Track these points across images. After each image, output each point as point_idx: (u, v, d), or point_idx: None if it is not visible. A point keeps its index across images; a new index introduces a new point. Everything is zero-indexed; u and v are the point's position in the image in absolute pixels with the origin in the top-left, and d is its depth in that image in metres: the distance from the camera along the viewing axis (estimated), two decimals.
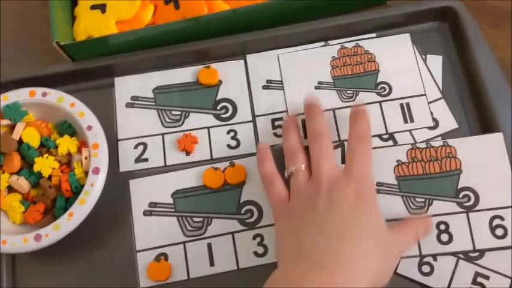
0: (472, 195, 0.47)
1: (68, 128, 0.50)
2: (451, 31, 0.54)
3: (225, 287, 0.48)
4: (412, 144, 0.49)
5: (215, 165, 0.51)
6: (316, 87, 0.53)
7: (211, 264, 0.48)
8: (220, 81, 0.54)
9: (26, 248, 0.45)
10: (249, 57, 0.55)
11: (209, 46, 0.54)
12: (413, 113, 0.51)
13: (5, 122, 0.50)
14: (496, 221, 0.46)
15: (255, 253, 0.48)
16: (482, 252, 0.46)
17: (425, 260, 0.46)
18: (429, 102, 0.51)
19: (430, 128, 0.51)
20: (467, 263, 0.46)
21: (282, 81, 0.53)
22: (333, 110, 0.52)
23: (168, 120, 0.53)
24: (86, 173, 0.48)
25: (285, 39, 0.54)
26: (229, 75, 0.55)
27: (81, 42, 0.52)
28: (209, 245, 0.49)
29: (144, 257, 0.49)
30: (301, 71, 0.54)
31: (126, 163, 0.52)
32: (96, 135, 0.48)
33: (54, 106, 0.50)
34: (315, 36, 0.54)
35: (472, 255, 0.46)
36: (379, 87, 0.52)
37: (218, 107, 0.54)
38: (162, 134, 0.53)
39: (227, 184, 0.51)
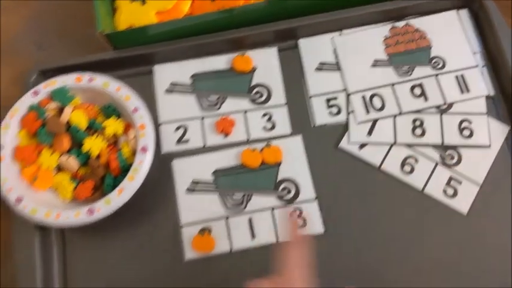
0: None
1: (113, 111, 0.53)
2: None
3: (266, 257, 0.50)
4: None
5: (252, 146, 0.54)
6: (372, 65, 0.56)
7: (253, 237, 0.51)
8: (254, 68, 0.57)
9: (79, 222, 0.48)
10: (301, 41, 0.58)
11: (243, 35, 0.57)
12: (468, 83, 0.55)
13: (54, 105, 0.52)
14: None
15: None
16: (457, 152, 0.52)
17: (408, 161, 0.52)
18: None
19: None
20: (444, 168, 0.51)
21: (337, 62, 0.56)
22: (392, 85, 0.55)
23: (206, 104, 0.56)
24: (133, 153, 0.51)
25: (335, 24, 0.58)
26: (262, 62, 0.58)
27: (123, 32, 0.55)
28: (250, 220, 0.52)
29: (189, 231, 0.51)
30: (356, 51, 0.57)
31: (168, 145, 0.55)
32: (142, 116, 0.51)
33: (100, 91, 0.52)
34: (362, 20, 0.58)
35: (448, 162, 0.52)
36: (433, 62, 0.56)
37: (253, 92, 0.57)
38: (201, 118, 0.56)
39: (264, 163, 0.53)
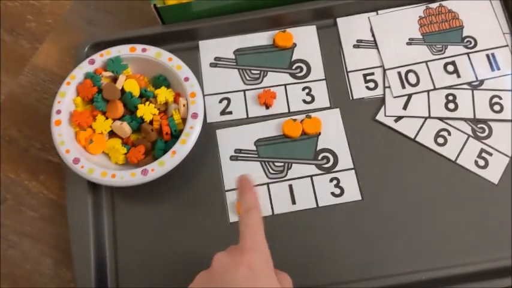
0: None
1: (163, 80, 0.56)
2: None
3: (306, 222, 0.53)
4: None
5: (293, 117, 0.57)
6: (407, 44, 0.59)
7: (293, 202, 0.54)
8: (295, 44, 0.60)
9: (133, 181, 0.51)
10: (339, 20, 0.61)
11: (284, 12, 0.60)
12: (499, 61, 0.58)
13: (108, 73, 0.56)
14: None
15: (332, 193, 0.54)
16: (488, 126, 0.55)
17: (441, 133, 0.55)
18: None
19: None
20: (476, 141, 0.54)
21: (374, 40, 0.60)
22: (426, 62, 0.58)
23: (248, 78, 0.59)
24: (183, 120, 0.54)
25: (371, 4, 0.61)
26: (302, 38, 0.61)
27: (172, 6, 0.58)
28: (290, 186, 0.55)
29: (232, 195, 0.54)
30: (392, 30, 0.60)
31: (213, 115, 0.58)
32: (193, 85, 0.54)
33: (152, 60, 0.56)
34: (397, 1, 0.61)
35: (479, 135, 0.55)
36: (465, 41, 0.59)
37: (293, 67, 0.60)
38: (244, 90, 0.59)
39: (305, 134, 0.56)
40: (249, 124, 0.57)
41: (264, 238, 0.40)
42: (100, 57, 0.55)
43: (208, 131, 0.57)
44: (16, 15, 0.66)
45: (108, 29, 0.64)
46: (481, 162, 0.54)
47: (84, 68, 0.55)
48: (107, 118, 0.55)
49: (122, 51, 0.56)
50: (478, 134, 0.55)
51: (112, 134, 0.55)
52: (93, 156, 0.54)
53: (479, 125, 0.55)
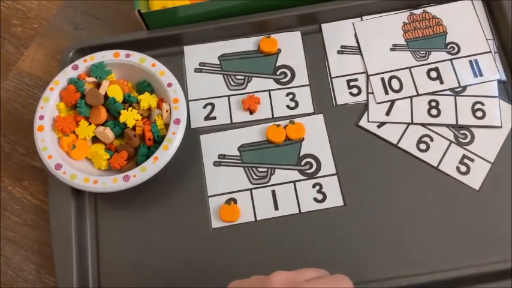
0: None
1: (147, 86, 0.56)
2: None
3: (289, 228, 0.53)
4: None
5: (277, 123, 0.57)
6: (391, 49, 0.60)
7: (276, 208, 0.54)
8: (279, 50, 0.61)
9: (116, 187, 0.51)
10: (324, 25, 0.61)
11: (269, 18, 0.61)
12: (482, 67, 0.58)
13: (91, 79, 0.56)
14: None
15: (315, 199, 0.54)
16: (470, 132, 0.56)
17: (423, 139, 0.55)
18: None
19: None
20: (458, 147, 0.55)
21: (358, 46, 0.60)
22: (409, 68, 0.58)
23: (233, 83, 0.60)
24: (166, 126, 0.54)
25: (355, 10, 0.61)
26: (287, 44, 0.61)
27: (157, 12, 0.58)
28: (273, 192, 0.55)
29: (215, 201, 0.55)
30: (376, 36, 0.60)
31: (197, 120, 0.58)
32: (176, 91, 0.54)
33: (136, 66, 0.56)
34: (382, 7, 0.61)
35: (462, 141, 0.55)
36: (448, 47, 0.59)
37: (278, 73, 0.60)
38: (228, 96, 0.59)
39: (288, 139, 0.57)
40: (233, 129, 0.58)
41: None
42: (84, 63, 0.56)
43: (192, 136, 0.57)
44: (1, 20, 0.66)
45: (95, 34, 0.64)
46: (463, 168, 0.54)
47: (68, 73, 0.55)
48: (90, 124, 0.55)
49: (105, 56, 0.56)
50: (460, 140, 0.55)
51: (95, 139, 0.55)
52: (76, 161, 0.54)
53: (461, 131, 0.56)
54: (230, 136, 0.57)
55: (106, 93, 0.55)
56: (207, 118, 0.58)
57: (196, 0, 0.60)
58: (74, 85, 0.55)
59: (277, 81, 0.59)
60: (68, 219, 0.54)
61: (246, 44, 0.61)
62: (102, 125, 0.55)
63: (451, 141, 0.55)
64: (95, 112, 0.55)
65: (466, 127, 0.56)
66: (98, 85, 0.56)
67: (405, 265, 0.51)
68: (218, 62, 0.60)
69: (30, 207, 0.57)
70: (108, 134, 0.54)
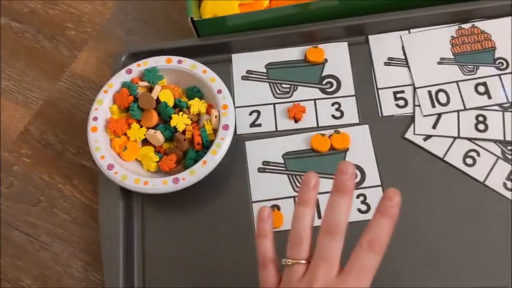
0: None
1: (197, 92, 0.58)
2: None
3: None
4: None
5: (321, 132, 0.58)
6: (438, 63, 0.60)
7: (319, 217, 0.54)
8: (326, 60, 0.61)
9: (165, 189, 0.52)
10: (371, 37, 0.62)
11: (316, 29, 0.62)
12: None
13: (144, 83, 0.57)
14: None
15: (359, 210, 0.54)
16: None
17: (470, 154, 0.55)
18: None
19: None
20: (505, 163, 0.54)
21: (405, 58, 0.60)
22: (457, 82, 0.58)
23: (278, 92, 0.60)
24: (214, 131, 0.55)
25: (403, 23, 0.62)
26: (334, 54, 0.62)
27: (209, 20, 0.60)
28: (317, 201, 0.55)
29: (259, 207, 0.55)
30: (423, 49, 0.60)
31: (242, 127, 0.59)
32: (226, 97, 0.55)
33: (187, 72, 0.57)
34: (430, 20, 0.62)
35: (509, 157, 0.54)
36: (497, 62, 0.59)
37: (323, 82, 0.61)
38: (274, 104, 0.60)
39: (333, 149, 0.57)
40: (278, 137, 0.58)
41: (368, 285, 0.38)
42: (137, 67, 0.57)
43: (238, 142, 0.58)
44: (57, 23, 0.68)
45: (146, 39, 0.66)
46: (510, 185, 0.54)
47: (122, 76, 0.57)
48: (141, 126, 0.56)
49: (158, 62, 0.58)
50: (508, 156, 0.55)
51: (145, 142, 0.57)
52: (126, 163, 0.56)
53: (509, 147, 0.55)
54: (275, 143, 0.58)
55: (158, 98, 0.56)
56: (252, 125, 0.59)
57: (246, 9, 0.61)
58: (127, 88, 0.56)
59: (323, 90, 0.60)
60: (117, 219, 0.55)
61: (293, 53, 0.62)
62: (153, 128, 0.56)
63: (498, 157, 0.55)
64: (146, 115, 0.56)
65: None
66: (150, 89, 0.57)
67: (447, 279, 0.51)
68: (265, 71, 0.62)
69: (79, 206, 0.58)
70: (158, 137, 0.55)
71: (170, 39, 0.64)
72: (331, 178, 0.56)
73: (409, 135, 0.57)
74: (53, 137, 0.62)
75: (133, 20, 0.67)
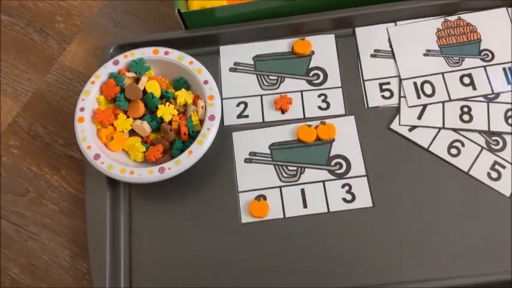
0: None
1: (184, 83, 0.58)
2: None
3: (317, 226, 0.54)
4: None
5: (308, 123, 0.58)
6: (424, 55, 0.60)
7: (304, 206, 0.55)
8: (313, 52, 0.62)
9: (151, 179, 0.53)
10: (358, 29, 0.62)
11: (303, 21, 0.62)
12: None
13: (131, 74, 0.58)
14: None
15: (344, 199, 0.55)
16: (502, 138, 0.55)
17: (454, 144, 0.55)
18: None
19: None
20: (489, 153, 0.55)
21: (392, 50, 0.61)
22: (442, 73, 0.59)
23: (266, 83, 0.61)
24: (201, 121, 0.56)
25: (390, 15, 0.62)
26: (321, 47, 0.62)
27: (196, 11, 0.60)
28: (302, 190, 0.56)
29: (245, 197, 0.56)
30: (409, 41, 0.61)
31: (230, 118, 0.59)
32: (212, 88, 0.56)
33: (174, 63, 0.57)
34: (416, 13, 0.62)
35: (493, 147, 0.55)
36: (482, 54, 0.59)
37: (310, 74, 0.61)
38: (261, 95, 0.60)
39: (319, 139, 0.58)
40: (265, 128, 0.59)
41: None
42: (124, 58, 0.58)
43: (225, 133, 0.58)
44: (46, 16, 0.69)
45: (134, 32, 0.66)
46: (494, 175, 0.54)
47: (109, 68, 0.57)
48: (128, 117, 0.56)
49: (145, 53, 0.58)
50: (492, 146, 0.55)
51: (132, 132, 0.57)
52: (113, 153, 0.56)
53: (493, 138, 0.56)
54: (262, 134, 0.58)
55: (144, 88, 0.57)
56: (239, 116, 0.60)
57: (233, 1, 0.61)
58: (114, 79, 0.57)
59: (309, 82, 0.61)
60: (103, 209, 0.55)
61: (280, 45, 0.63)
62: (140, 118, 0.56)
63: (482, 147, 0.55)
64: (133, 106, 0.56)
65: (498, 134, 0.56)
66: (137, 80, 0.58)
67: (432, 269, 0.51)
68: (252, 62, 0.62)
69: (67, 196, 0.59)
70: (145, 127, 0.56)
71: (159, 31, 0.64)
72: (317, 168, 0.56)
73: (394, 126, 0.57)
74: (41, 129, 0.62)
75: (122, 13, 0.67)
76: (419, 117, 0.57)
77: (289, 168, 0.57)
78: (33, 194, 0.59)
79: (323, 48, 0.62)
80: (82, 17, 0.68)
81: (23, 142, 0.62)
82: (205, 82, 0.56)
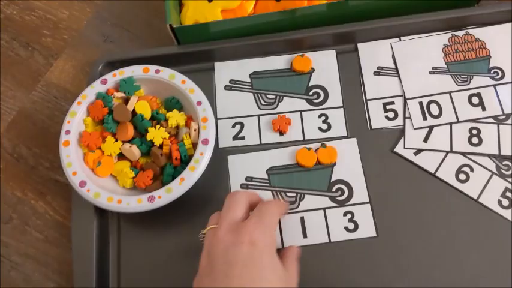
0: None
1: (176, 103, 0.55)
2: None
3: (317, 257, 0.51)
4: None
5: (307, 146, 0.55)
6: (431, 72, 0.57)
7: (304, 236, 0.52)
8: (313, 69, 0.58)
9: (140, 208, 0.49)
10: (360, 45, 0.59)
11: (303, 36, 0.59)
12: None
13: (120, 94, 0.54)
14: None
15: (346, 228, 0.52)
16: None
17: (463, 169, 0.52)
18: None
19: None
20: (500, 179, 0.51)
21: (396, 67, 0.57)
22: (449, 93, 0.56)
23: (263, 102, 0.58)
24: (193, 145, 0.52)
25: (394, 30, 0.59)
26: (321, 63, 0.59)
27: (189, 27, 0.57)
28: (302, 218, 0.52)
29: None
30: (415, 58, 0.58)
31: (225, 140, 0.56)
32: (206, 110, 0.52)
33: (165, 82, 0.54)
34: (422, 27, 0.59)
35: (504, 172, 0.52)
36: (492, 72, 0.56)
37: (310, 93, 0.58)
38: (258, 115, 0.57)
39: (319, 163, 0.54)
40: (262, 151, 0.56)
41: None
42: (113, 77, 0.54)
43: (220, 156, 0.55)
44: (32, 30, 0.65)
45: (124, 46, 0.63)
46: (505, 202, 0.51)
47: (96, 87, 0.54)
48: (116, 140, 0.53)
49: (135, 71, 0.55)
50: (503, 171, 0.52)
51: (121, 156, 0.54)
52: (100, 179, 0.53)
53: (504, 162, 0.53)
54: (259, 158, 0.55)
55: (134, 109, 0.53)
56: (235, 138, 0.56)
57: (229, 15, 0.58)
58: (101, 100, 0.53)
59: (309, 101, 0.57)
60: (90, 238, 0.52)
61: (278, 62, 0.59)
62: (129, 142, 0.53)
63: (492, 173, 0.52)
64: (122, 128, 0.53)
65: (509, 158, 0.53)
66: (126, 100, 0.55)
67: None
68: (249, 80, 0.59)
69: (52, 223, 0.56)
70: (134, 151, 0.52)
71: (150, 46, 0.61)
72: (317, 194, 0.53)
73: (399, 149, 0.54)
74: (25, 150, 0.59)
75: (111, 27, 0.64)
76: (426, 140, 0.54)
77: (288, 194, 0.53)
78: (17, 221, 0.56)
79: (323, 65, 0.59)
80: (70, 31, 0.65)
81: (7, 164, 0.58)
82: (199, 103, 0.53)
